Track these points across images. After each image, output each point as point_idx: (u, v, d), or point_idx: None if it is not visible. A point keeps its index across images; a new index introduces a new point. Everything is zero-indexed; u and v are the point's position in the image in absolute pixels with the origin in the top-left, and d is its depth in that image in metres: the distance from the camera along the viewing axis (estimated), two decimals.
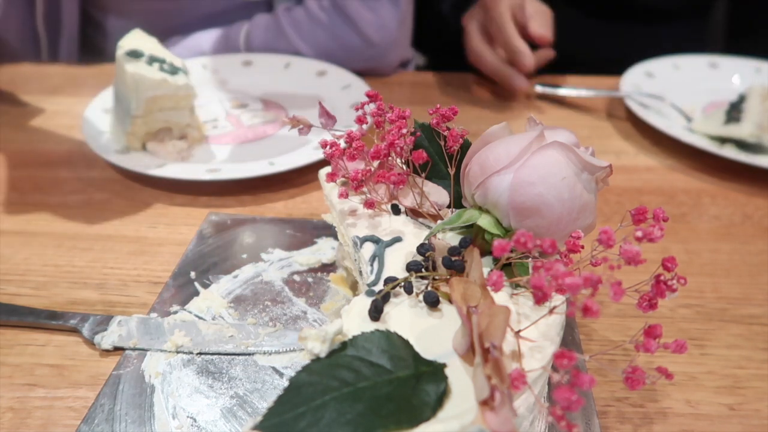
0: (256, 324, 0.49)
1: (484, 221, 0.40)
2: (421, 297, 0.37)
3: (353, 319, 0.36)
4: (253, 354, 0.47)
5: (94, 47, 1.04)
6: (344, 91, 0.84)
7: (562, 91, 0.89)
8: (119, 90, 0.71)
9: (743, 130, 0.75)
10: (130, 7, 0.97)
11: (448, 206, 0.45)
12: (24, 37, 0.99)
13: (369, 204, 0.44)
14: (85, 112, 0.75)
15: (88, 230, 0.61)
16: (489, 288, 0.32)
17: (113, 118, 0.74)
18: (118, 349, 0.47)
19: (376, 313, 0.36)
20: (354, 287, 0.53)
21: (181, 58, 0.74)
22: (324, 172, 0.49)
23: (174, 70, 0.69)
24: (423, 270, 0.38)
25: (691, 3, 0.90)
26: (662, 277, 0.34)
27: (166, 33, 0.98)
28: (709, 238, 0.63)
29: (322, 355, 0.31)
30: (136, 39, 0.73)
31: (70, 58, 1.00)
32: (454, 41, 0.96)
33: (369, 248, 0.42)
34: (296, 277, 0.54)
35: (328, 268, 0.56)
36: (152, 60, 0.69)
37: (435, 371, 0.32)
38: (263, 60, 0.93)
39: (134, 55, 0.69)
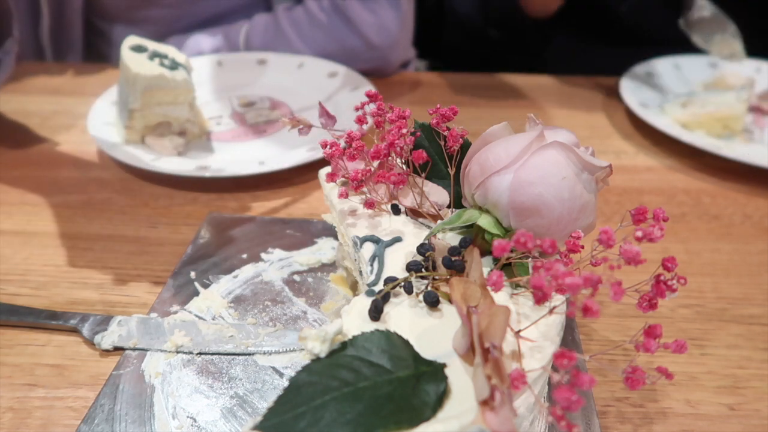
0: (256, 324, 0.49)
1: (484, 221, 0.40)
2: (421, 297, 0.37)
3: (353, 319, 0.36)
4: (253, 354, 0.47)
5: (99, 55, 1.04)
6: (353, 93, 0.84)
7: None
8: (121, 83, 0.72)
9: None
10: (134, 15, 0.98)
11: (448, 206, 0.45)
12: (28, 52, 0.99)
13: (369, 204, 0.44)
14: (96, 102, 0.77)
15: (88, 230, 0.61)
16: (489, 288, 0.32)
17: (117, 111, 0.75)
18: (118, 349, 0.47)
19: (376, 313, 0.36)
20: (354, 287, 0.53)
21: None
22: (324, 172, 0.49)
23: (174, 66, 0.69)
24: (423, 270, 0.38)
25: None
26: (662, 277, 0.34)
27: (168, 38, 0.98)
28: (709, 238, 0.63)
29: (322, 355, 0.31)
30: (138, 40, 0.74)
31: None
32: (473, 42, 0.95)
33: (369, 248, 0.42)
34: (296, 277, 0.54)
35: (328, 268, 0.56)
36: (154, 55, 0.70)
37: (435, 371, 0.32)
38: (277, 59, 0.93)
39: (138, 49, 0.70)
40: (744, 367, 0.48)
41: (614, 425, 0.43)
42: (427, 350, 0.33)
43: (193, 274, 0.54)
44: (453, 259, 0.37)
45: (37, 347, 0.48)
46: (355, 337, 0.33)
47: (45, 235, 0.60)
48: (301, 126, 0.46)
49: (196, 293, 0.52)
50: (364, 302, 0.37)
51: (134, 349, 0.47)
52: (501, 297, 0.37)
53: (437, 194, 0.45)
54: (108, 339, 0.47)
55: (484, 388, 0.29)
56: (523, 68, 0.98)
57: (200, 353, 0.47)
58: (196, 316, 0.50)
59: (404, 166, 0.44)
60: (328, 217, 0.52)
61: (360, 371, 0.31)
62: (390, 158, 0.43)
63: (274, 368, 0.46)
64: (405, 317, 0.36)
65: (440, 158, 0.46)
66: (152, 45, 0.72)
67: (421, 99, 0.91)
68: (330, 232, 0.59)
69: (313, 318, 0.50)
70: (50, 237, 0.60)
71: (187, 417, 0.42)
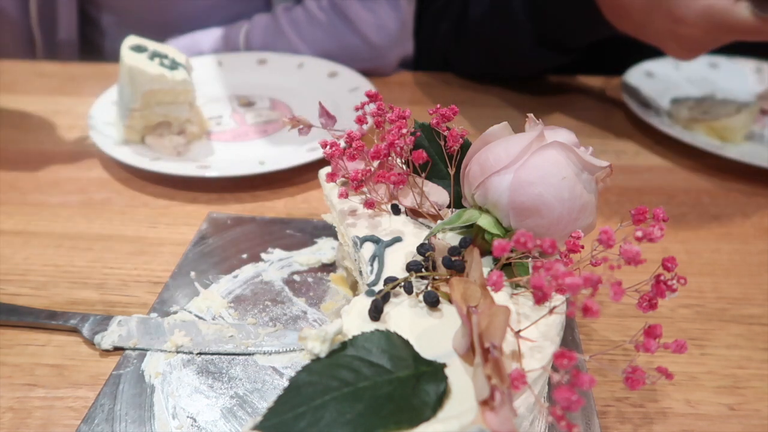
0: (256, 324, 0.49)
1: (484, 221, 0.40)
2: (421, 297, 0.37)
3: (353, 319, 0.36)
4: (253, 354, 0.47)
5: (91, 45, 1.03)
6: (353, 93, 0.84)
7: None
8: (121, 83, 0.72)
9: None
10: (125, 2, 0.97)
11: (448, 206, 0.45)
12: (18, 39, 0.98)
13: (369, 204, 0.44)
14: (96, 102, 0.77)
15: (88, 230, 0.61)
16: (489, 288, 0.32)
17: (117, 110, 0.75)
18: (118, 349, 0.47)
19: (376, 313, 0.36)
20: (354, 287, 0.53)
21: None
22: (324, 172, 0.49)
23: (174, 66, 0.69)
24: (423, 270, 0.38)
25: None
26: (662, 277, 0.34)
27: (162, 27, 0.97)
28: (709, 238, 0.63)
29: (322, 355, 0.31)
30: (138, 39, 0.74)
31: (71, 59, 1.00)
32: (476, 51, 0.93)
33: (369, 248, 0.42)
34: (296, 277, 0.54)
35: (328, 268, 0.56)
36: (154, 55, 0.70)
37: (435, 371, 0.32)
38: (277, 59, 0.93)
39: (138, 49, 0.70)
40: (744, 367, 0.48)
41: (614, 425, 0.43)
42: (427, 350, 0.33)
43: (193, 274, 0.54)
44: (453, 259, 0.37)
45: (37, 347, 0.48)
46: (355, 337, 0.33)
47: (45, 235, 0.60)
48: (301, 126, 0.46)
49: (196, 293, 0.52)
50: (364, 302, 0.37)
51: (134, 349, 0.47)
52: (501, 297, 0.37)
53: (437, 194, 0.45)
54: (108, 339, 0.47)
55: (484, 388, 0.29)
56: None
57: (200, 353, 0.46)
58: (196, 316, 0.50)
59: (404, 166, 0.44)
60: (328, 217, 0.52)
61: (360, 371, 0.31)
62: (390, 158, 0.43)
63: (274, 368, 0.46)
64: (405, 317, 0.36)
65: (440, 158, 0.46)
66: (152, 45, 0.72)
67: (421, 99, 0.91)
68: (330, 232, 0.59)
69: (313, 318, 0.50)
70: (50, 237, 0.60)
71: (187, 417, 0.42)
